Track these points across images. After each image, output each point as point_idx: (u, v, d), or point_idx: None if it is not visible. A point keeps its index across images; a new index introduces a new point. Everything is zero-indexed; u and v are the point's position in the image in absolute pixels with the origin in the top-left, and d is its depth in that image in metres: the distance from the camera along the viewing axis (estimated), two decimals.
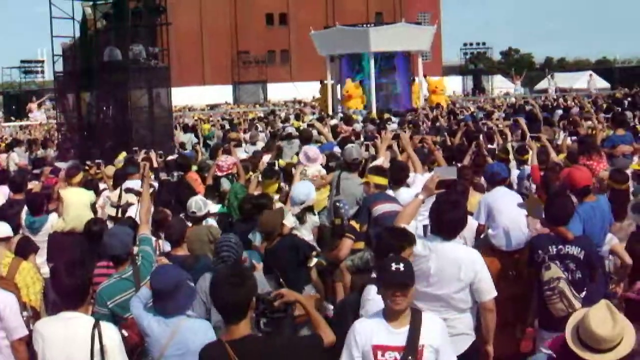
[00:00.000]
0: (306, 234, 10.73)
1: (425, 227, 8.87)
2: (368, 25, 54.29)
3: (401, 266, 5.73)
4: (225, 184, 14.05)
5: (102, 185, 15.14)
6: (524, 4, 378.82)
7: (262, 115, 40.82)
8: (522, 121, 16.75)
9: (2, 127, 51.33)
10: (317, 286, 9.91)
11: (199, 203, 10.57)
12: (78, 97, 25.77)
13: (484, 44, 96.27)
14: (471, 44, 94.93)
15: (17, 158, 24.58)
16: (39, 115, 59.92)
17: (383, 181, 10.33)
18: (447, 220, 7.14)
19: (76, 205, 12.30)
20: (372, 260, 9.08)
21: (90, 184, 13.91)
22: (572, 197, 8.84)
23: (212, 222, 11.20)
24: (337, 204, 10.56)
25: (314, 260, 9.94)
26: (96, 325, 6.10)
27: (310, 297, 9.50)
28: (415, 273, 6.53)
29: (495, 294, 7.09)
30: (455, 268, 6.98)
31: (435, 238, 7.18)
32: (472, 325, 7.22)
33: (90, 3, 27.56)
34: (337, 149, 16.30)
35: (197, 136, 26.19)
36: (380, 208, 9.68)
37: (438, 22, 65.67)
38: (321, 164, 14.38)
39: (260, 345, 5.52)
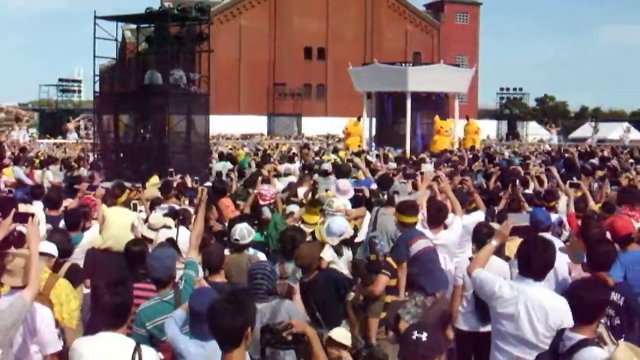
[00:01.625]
0: (343, 267, 10.64)
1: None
2: (406, 65, 54.39)
3: (423, 335, 5.04)
4: (267, 212, 13.99)
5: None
6: (561, 51, 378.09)
7: (294, 149, 40.82)
8: (554, 170, 16.57)
9: (37, 143, 51.58)
10: (352, 321, 9.82)
11: (243, 231, 10.50)
12: (116, 117, 25.84)
13: (520, 89, 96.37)
14: (507, 89, 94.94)
15: (52, 176, 24.57)
16: (75, 135, 60.33)
17: (414, 220, 10.44)
18: (536, 262, 7.13)
19: (117, 224, 12.27)
20: (428, 302, 9.14)
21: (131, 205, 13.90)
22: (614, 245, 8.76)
23: (254, 251, 11.12)
24: (374, 239, 10.45)
25: (351, 295, 9.87)
26: (137, 349, 6.04)
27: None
28: (502, 315, 6.90)
29: None
30: (542, 313, 6.96)
31: (523, 280, 7.16)
32: None
33: (133, 26, 27.67)
34: (374, 186, 16.23)
35: (233, 164, 26.19)
36: (419, 244, 9.73)
37: (476, 65, 65.60)
38: (349, 199, 14.32)
39: None
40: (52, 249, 9.18)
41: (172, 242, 10.40)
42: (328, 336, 8.08)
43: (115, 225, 12.29)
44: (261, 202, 14.20)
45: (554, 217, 12.97)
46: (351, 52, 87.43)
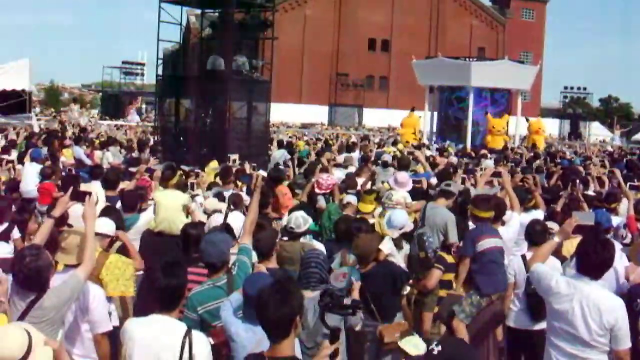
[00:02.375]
0: (401, 260, 10.54)
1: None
2: (470, 59, 53.98)
3: (437, 348, 4.85)
4: (322, 201, 13.93)
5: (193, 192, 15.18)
6: (627, 52, 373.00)
7: (354, 139, 40.64)
8: (618, 172, 16.27)
9: (98, 124, 52.09)
10: (407, 315, 9.75)
11: (299, 220, 10.36)
12: (177, 102, 25.94)
13: (584, 89, 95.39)
14: (572, 88, 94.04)
15: (112, 157, 24.77)
16: (136, 117, 60.76)
17: (488, 215, 10.18)
18: (594, 261, 7.07)
19: (167, 207, 12.25)
20: (483, 302, 9.04)
21: (184, 188, 13.88)
22: None
23: (309, 239, 11.04)
24: (422, 237, 10.37)
25: (407, 289, 9.79)
26: (188, 334, 5.99)
27: (399, 325, 9.35)
28: (557, 311, 6.94)
29: (630, 344, 6.97)
30: (597, 312, 6.89)
31: (580, 277, 7.11)
32: None
33: (198, 11, 27.71)
34: (434, 180, 16.09)
35: (291, 152, 26.14)
36: (486, 242, 9.59)
37: (540, 63, 64.93)
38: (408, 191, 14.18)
39: None
40: (108, 228, 9.23)
41: (227, 227, 10.34)
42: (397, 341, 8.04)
43: (164, 209, 12.28)
44: (317, 191, 14.14)
45: (615, 220, 12.77)
46: (415, 45, 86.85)
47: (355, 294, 8.60)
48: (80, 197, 7.23)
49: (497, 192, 12.92)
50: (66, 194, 7.29)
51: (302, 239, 10.49)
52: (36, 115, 57.35)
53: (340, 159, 23.62)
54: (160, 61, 28.07)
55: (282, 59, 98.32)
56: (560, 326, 7.04)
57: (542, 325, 8.75)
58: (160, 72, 28.64)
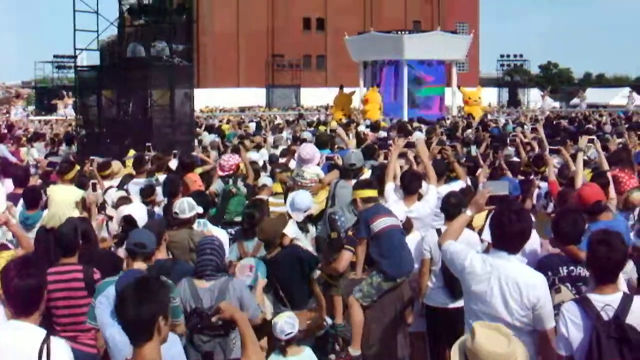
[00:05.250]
0: (307, 244, 10.06)
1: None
2: (403, 33, 53.73)
3: None
4: (217, 185, 13.40)
5: (108, 183, 14.67)
6: (563, 17, 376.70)
7: (278, 119, 40.22)
8: (541, 129, 15.93)
9: (29, 121, 51.11)
10: (319, 300, 9.34)
11: (184, 204, 9.86)
12: (99, 92, 25.23)
13: (521, 56, 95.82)
14: (508, 56, 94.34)
15: (37, 153, 24.24)
16: (68, 111, 59.80)
17: (372, 193, 9.63)
18: (510, 232, 6.44)
19: (59, 202, 11.77)
20: (383, 282, 8.54)
21: (80, 181, 13.33)
22: (583, 215, 8.06)
23: (209, 225, 10.57)
24: (333, 216, 9.87)
25: (317, 273, 9.34)
26: (46, 340, 5.42)
27: (310, 311, 8.98)
28: (474, 293, 6.43)
29: (554, 323, 6.36)
30: (517, 290, 6.33)
31: (497, 253, 6.52)
32: (535, 351, 6.49)
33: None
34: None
35: (221, 137, 25.68)
36: (381, 222, 8.97)
37: (475, 32, 65.02)
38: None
39: None
40: None
41: (127, 219, 9.89)
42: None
43: (55, 204, 11.75)
44: (220, 173, 13.65)
45: (542, 185, 12.43)
46: (350, 22, 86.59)
47: (259, 291, 8.23)
48: None
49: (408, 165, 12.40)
50: None
51: (196, 226, 9.98)
52: None
53: (270, 140, 23.30)
54: (79, 52, 27.30)
55: (217, 43, 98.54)
56: (479, 308, 6.42)
57: (460, 303, 8.16)
58: (91, 63, 27.95)
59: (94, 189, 12.18)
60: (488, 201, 7.17)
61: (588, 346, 5.73)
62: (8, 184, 14.16)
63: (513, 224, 6.41)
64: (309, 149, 13.92)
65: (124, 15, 26.69)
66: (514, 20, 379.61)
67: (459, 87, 52.11)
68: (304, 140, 19.07)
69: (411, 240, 9.61)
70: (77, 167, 13.67)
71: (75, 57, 26.91)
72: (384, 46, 49.79)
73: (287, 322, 7.47)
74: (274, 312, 8.61)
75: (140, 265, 7.24)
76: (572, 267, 7.44)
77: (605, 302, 5.80)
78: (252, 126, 34.12)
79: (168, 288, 5.04)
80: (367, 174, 12.59)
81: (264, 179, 13.83)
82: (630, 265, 8.22)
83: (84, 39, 25.25)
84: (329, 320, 9.51)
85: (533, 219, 9.12)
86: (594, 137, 13.35)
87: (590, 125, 28.20)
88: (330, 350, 10.02)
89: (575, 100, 76.35)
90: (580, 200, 8.78)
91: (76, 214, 11.32)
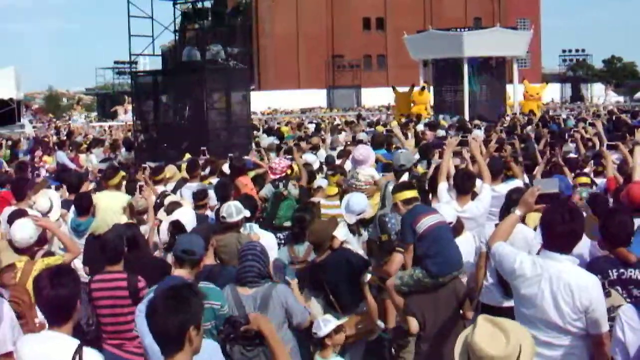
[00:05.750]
0: (357, 247, 9.83)
1: None
2: (463, 30, 53.21)
3: None
4: (267, 189, 13.22)
5: (162, 188, 14.62)
6: (626, 11, 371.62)
7: (337, 120, 40.05)
8: (599, 125, 15.46)
9: (89, 127, 51.58)
10: (370, 304, 9.08)
11: (231, 208, 9.68)
12: (156, 97, 25.31)
13: (583, 50, 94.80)
14: (570, 51, 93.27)
15: (95, 160, 24.33)
16: (128, 117, 60.35)
17: (412, 194, 9.21)
18: (560, 232, 6.19)
19: (105, 209, 11.72)
20: (424, 279, 8.22)
21: (131, 187, 13.26)
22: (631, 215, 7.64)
23: (256, 229, 10.39)
24: (383, 218, 9.62)
25: (368, 276, 9.10)
26: (78, 351, 5.30)
27: (362, 315, 8.76)
28: (524, 296, 6.19)
29: (608, 327, 6.10)
30: (569, 293, 6.05)
31: (548, 255, 6.26)
32: (590, 356, 6.23)
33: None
34: (417, 156, 15.45)
35: (280, 139, 25.59)
36: (425, 222, 8.59)
37: (536, 27, 64.22)
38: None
39: None
40: (21, 236, 8.56)
41: (175, 224, 9.78)
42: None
43: (101, 211, 11.71)
44: (272, 177, 13.46)
45: (599, 182, 12.08)
46: (410, 21, 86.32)
47: (296, 291, 8.04)
48: None
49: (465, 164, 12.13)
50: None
51: (243, 230, 9.83)
52: (30, 122, 56.93)
53: (328, 141, 23.14)
54: (137, 57, 27.48)
55: (278, 46, 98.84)
56: (530, 313, 6.16)
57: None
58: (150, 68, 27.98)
59: (140, 193, 12.09)
60: (539, 200, 6.87)
61: None
62: (65, 191, 14.17)
63: (564, 224, 6.15)
64: (362, 150, 13.72)
65: (182, 19, 26.74)
66: (577, 14, 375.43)
67: (523, 79, 51.30)
68: (360, 141, 18.87)
69: (462, 240, 9.32)
70: (122, 173, 13.58)
71: (130, 62, 27.08)
72: (443, 44, 49.27)
73: (320, 322, 7.43)
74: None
75: (185, 272, 7.10)
76: (622, 270, 7.05)
77: None
78: (312, 128, 33.98)
79: (201, 297, 4.85)
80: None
81: (319, 180, 13.63)
82: None
83: (142, 44, 25.36)
84: (381, 325, 9.28)
85: None
86: None
87: None
88: (386, 355, 9.84)
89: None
90: (629, 198, 8.40)
91: (124, 219, 11.26)
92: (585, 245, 7.74)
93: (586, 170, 13.23)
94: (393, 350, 9.72)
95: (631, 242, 6.99)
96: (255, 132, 30.95)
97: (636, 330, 5.49)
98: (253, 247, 7.69)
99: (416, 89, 48.54)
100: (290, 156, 15.40)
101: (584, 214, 7.25)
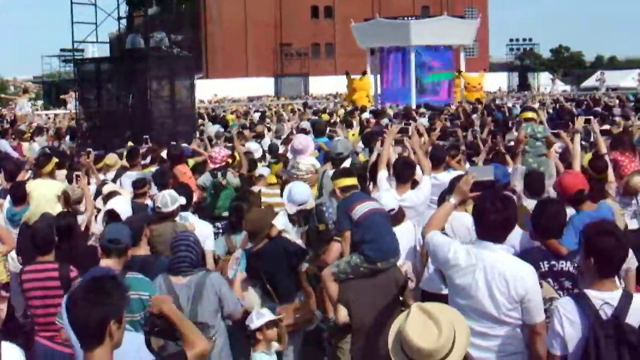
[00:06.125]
0: (295, 237, 9.70)
1: None
2: (410, 18, 53.33)
3: None
4: (204, 178, 13.10)
5: (103, 176, 14.50)
6: (573, 1, 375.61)
7: (278, 108, 39.99)
8: (542, 113, 15.56)
9: (36, 115, 50.90)
10: (308, 293, 9.00)
11: (165, 198, 9.62)
12: (99, 86, 25.03)
13: (530, 40, 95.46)
14: (517, 40, 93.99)
15: (38, 148, 24.00)
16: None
17: (351, 181, 9.02)
18: (494, 220, 6.07)
19: (36, 198, 11.50)
20: (362, 264, 8.15)
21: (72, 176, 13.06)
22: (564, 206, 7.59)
23: (192, 218, 10.30)
24: (320, 207, 9.48)
25: (305, 266, 9.02)
26: None
27: (299, 304, 8.67)
28: (459, 286, 6.11)
29: (544, 316, 6.05)
30: (503, 282, 5.96)
31: (481, 244, 6.15)
32: (525, 343, 6.17)
33: None
34: (361, 144, 15.41)
35: (224, 127, 25.42)
36: (360, 209, 8.46)
37: (483, 16, 64.62)
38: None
39: None
40: None
41: (110, 212, 9.69)
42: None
43: (35, 199, 11.49)
44: (211, 166, 13.34)
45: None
46: (359, 10, 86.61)
47: (237, 285, 8.00)
48: None
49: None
50: None
51: (178, 219, 9.73)
52: None
53: (272, 130, 23.09)
54: (81, 45, 27.18)
55: (225, 33, 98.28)
56: (465, 303, 6.05)
57: None
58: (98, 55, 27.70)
59: (77, 182, 11.88)
60: (474, 188, 6.77)
61: (584, 347, 5.34)
62: (3, 180, 13.94)
63: (496, 212, 6.05)
64: (301, 139, 13.54)
65: (129, 7, 26.51)
66: (525, 4, 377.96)
67: (459, 72, 51.29)
68: (303, 130, 18.78)
69: (403, 229, 9.24)
70: (55, 160, 13.27)
71: (74, 50, 26.77)
72: (390, 32, 49.44)
73: (253, 315, 7.55)
74: (262, 306, 8.35)
75: (112, 262, 6.98)
76: (553, 262, 7.06)
77: (604, 299, 5.38)
78: (257, 116, 33.85)
79: (125, 289, 4.70)
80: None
81: (261, 169, 13.52)
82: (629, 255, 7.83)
83: (87, 31, 25.08)
84: (319, 314, 9.19)
85: None
86: (590, 117, 12.89)
87: (598, 109, 27.80)
88: (325, 345, 9.77)
89: (591, 83, 76.01)
90: (562, 189, 8.31)
91: (58, 208, 11.04)
92: (516, 236, 7.62)
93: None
94: (332, 340, 9.66)
95: (563, 234, 6.99)
96: (200, 120, 30.77)
97: (574, 324, 5.40)
98: (186, 237, 7.64)
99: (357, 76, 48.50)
100: (231, 144, 15.26)
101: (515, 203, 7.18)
